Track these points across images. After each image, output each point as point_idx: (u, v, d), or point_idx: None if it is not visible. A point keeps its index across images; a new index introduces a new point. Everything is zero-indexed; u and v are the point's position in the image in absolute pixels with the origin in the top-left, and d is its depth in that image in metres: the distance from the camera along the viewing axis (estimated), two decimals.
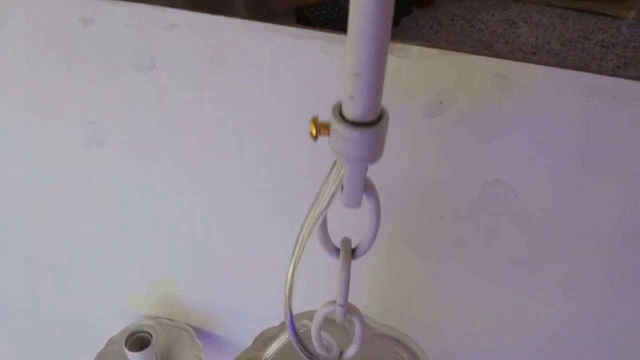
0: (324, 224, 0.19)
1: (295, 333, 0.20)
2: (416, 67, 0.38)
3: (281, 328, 0.31)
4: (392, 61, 0.38)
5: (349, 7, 0.16)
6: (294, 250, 0.19)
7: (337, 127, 0.17)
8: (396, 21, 0.51)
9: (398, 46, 0.38)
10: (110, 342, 0.60)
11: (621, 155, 0.39)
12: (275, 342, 0.27)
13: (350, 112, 0.17)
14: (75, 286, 0.62)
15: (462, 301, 0.51)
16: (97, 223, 0.56)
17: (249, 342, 0.61)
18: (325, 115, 0.41)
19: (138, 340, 0.56)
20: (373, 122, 0.17)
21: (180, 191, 0.51)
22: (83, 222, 0.56)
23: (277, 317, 0.57)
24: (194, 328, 0.61)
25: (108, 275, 0.61)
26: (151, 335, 0.56)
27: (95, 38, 0.44)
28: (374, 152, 0.18)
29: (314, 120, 0.18)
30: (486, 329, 0.52)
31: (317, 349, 0.23)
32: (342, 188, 0.19)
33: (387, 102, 0.37)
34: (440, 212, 0.45)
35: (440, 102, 0.39)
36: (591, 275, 0.45)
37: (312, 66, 0.40)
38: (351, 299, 0.25)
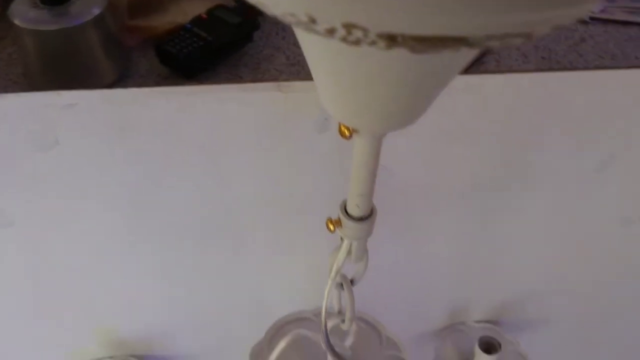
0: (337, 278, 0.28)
1: (329, 341, 0.29)
2: (301, 97, 0.47)
3: (268, 339, 0.39)
4: (279, 97, 0.46)
5: (353, 159, 0.24)
6: (325, 296, 0.28)
7: (346, 222, 0.26)
8: (249, 37, 0.57)
9: (284, 84, 0.46)
10: None
11: (469, 129, 0.52)
12: (273, 353, 0.35)
13: (355, 213, 0.25)
14: None
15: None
16: (18, 297, 0.57)
17: (188, 350, 0.67)
18: (224, 158, 0.48)
19: None
20: (370, 215, 0.26)
21: (99, 252, 0.54)
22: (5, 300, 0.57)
23: (207, 332, 0.64)
24: (136, 357, 0.66)
25: (41, 345, 0.62)
26: None
27: None
28: (370, 231, 0.26)
29: (330, 220, 0.26)
30: (384, 279, 0.65)
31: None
32: (349, 254, 0.27)
33: (286, 127, 0.46)
34: None
35: (326, 119, 0.48)
36: (454, 224, 0.59)
37: (212, 116, 0.46)
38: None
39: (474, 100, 0.49)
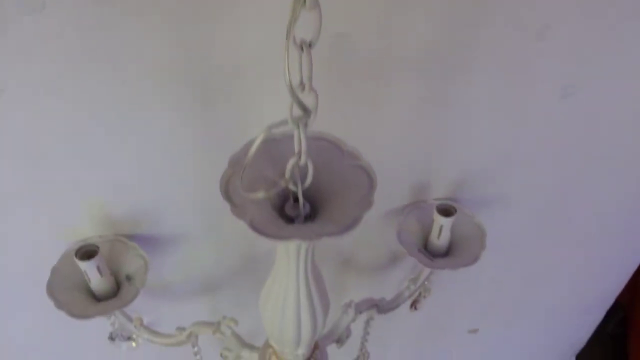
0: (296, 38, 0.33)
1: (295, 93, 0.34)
2: None
3: (245, 148, 0.44)
4: None
5: None
6: (285, 49, 0.33)
7: None
8: None
9: None
10: (54, 271, 0.67)
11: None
12: (249, 154, 0.41)
13: None
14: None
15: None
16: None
17: (172, 234, 0.72)
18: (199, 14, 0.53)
19: (85, 255, 0.64)
20: None
21: (85, 120, 0.59)
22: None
23: (194, 208, 0.69)
24: (124, 236, 0.71)
25: (29, 224, 0.66)
26: (97, 246, 0.65)
27: None
28: None
29: None
30: None
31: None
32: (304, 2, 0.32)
33: None
34: None
35: None
36: (408, 94, 0.65)
37: None
38: None
39: None
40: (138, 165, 0.64)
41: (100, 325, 0.72)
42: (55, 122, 0.58)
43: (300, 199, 0.43)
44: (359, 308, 0.72)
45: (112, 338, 0.79)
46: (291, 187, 0.43)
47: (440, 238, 0.74)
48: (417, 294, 0.87)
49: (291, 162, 0.41)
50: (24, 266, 0.70)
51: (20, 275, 0.71)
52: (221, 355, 0.74)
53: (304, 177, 0.43)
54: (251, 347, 0.70)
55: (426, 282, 0.85)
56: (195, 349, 0.74)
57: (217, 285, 0.83)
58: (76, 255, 0.63)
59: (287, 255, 0.48)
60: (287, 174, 0.41)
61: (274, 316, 0.56)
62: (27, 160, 0.61)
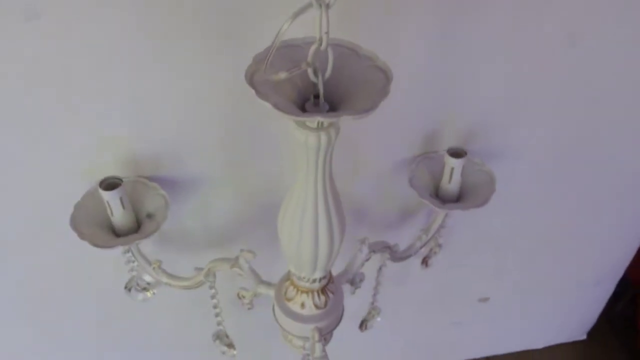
0: None
1: None
2: None
3: (267, 47, 0.47)
4: None
5: None
6: None
7: None
8: None
9: None
10: (77, 207, 0.69)
11: None
12: (275, 40, 0.43)
13: None
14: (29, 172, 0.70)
15: None
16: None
17: (192, 178, 0.75)
18: None
19: (109, 186, 0.67)
20: None
21: (114, 54, 0.61)
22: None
23: (214, 153, 0.72)
24: (145, 177, 0.73)
25: (52, 159, 0.69)
26: (120, 179, 0.67)
27: None
28: None
29: None
30: None
31: None
32: None
33: None
34: None
35: None
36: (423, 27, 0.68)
37: None
38: None
39: None
40: (161, 105, 0.67)
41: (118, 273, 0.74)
42: (81, 55, 0.61)
43: (320, 88, 0.46)
44: (373, 247, 0.73)
45: (128, 288, 0.81)
46: (312, 77, 0.46)
47: (451, 182, 0.76)
48: (428, 249, 0.88)
49: (313, 47, 0.44)
50: (49, 203, 0.73)
51: (44, 212, 0.74)
52: (238, 295, 0.76)
53: (324, 68, 0.45)
54: (267, 284, 0.72)
55: (437, 237, 0.86)
56: (213, 291, 0.75)
57: (233, 237, 0.85)
58: (100, 186, 0.65)
59: (307, 157, 0.50)
60: (309, 58, 0.44)
61: (292, 232, 0.58)
62: (52, 90, 0.63)
